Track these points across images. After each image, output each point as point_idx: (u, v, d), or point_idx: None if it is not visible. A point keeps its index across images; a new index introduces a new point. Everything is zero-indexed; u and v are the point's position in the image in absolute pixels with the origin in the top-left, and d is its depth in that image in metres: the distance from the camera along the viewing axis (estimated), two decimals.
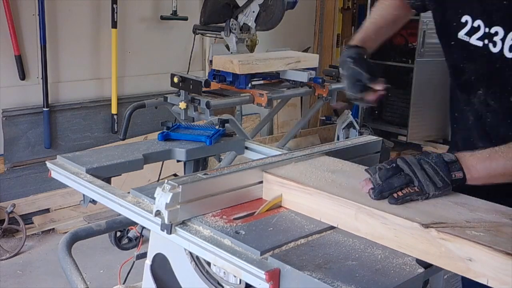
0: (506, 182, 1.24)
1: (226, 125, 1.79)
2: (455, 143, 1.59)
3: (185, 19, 4.42)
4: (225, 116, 2.88)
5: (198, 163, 1.75)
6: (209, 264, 1.28)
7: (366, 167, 1.27)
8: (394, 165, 1.20)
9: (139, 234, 1.84)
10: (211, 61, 3.65)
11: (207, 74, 3.93)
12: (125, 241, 3.34)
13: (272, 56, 3.58)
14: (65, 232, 1.79)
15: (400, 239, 1.07)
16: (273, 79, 3.61)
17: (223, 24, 3.79)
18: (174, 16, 4.41)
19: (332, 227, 1.17)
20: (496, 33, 1.31)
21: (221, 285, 1.26)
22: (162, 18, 4.40)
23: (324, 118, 5.80)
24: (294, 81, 3.54)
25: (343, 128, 4.61)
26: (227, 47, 3.90)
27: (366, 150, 1.64)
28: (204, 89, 3.05)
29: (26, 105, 3.85)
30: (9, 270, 3.32)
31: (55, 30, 3.93)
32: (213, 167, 2.12)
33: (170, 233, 1.15)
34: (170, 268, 1.39)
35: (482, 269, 0.97)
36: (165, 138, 1.70)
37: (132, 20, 4.32)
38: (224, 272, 1.23)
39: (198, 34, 4.12)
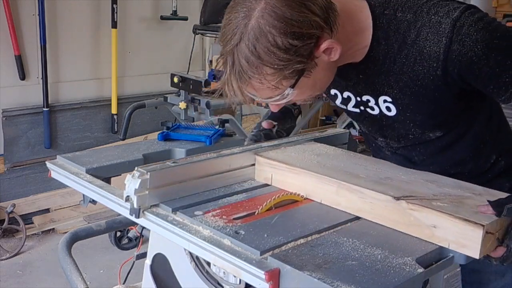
0: None
1: (226, 125, 1.79)
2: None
3: (185, 19, 4.42)
4: (225, 116, 2.89)
5: None
6: (209, 264, 1.28)
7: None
8: None
9: (139, 234, 1.84)
10: (211, 61, 3.66)
11: (207, 74, 3.94)
12: (125, 241, 3.34)
13: None
14: (65, 232, 1.79)
15: (375, 211, 1.20)
16: None
17: None
18: (174, 16, 4.41)
19: (331, 227, 1.17)
20: (368, 101, 1.38)
21: (221, 285, 1.26)
22: (162, 18, 4.41)
23: (324, 118, 5.80)
24: None
25: (343, 128, 4.62)
26: None
27: (334, 142, 1.69)
28: (204, 89, 3.05)
29: (26, 105, 3.85)
30: (9, 270, 3.32)
31: (55, 30, 3.93)
32: None
33: (138, 217, 1.21)
34: (170, 268, 1.39)
35: (445, 234, 1.09)
36: (165, 138, 1.70)
37: (132, 20, 4.33)
38: (224, 272, 1.23)
39: (198, 34, 4.12)
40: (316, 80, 1.22)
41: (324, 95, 1.52)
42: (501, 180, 1.44)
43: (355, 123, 1.39)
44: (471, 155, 1.43)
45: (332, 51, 1.19)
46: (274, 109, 1.31)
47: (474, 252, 1.06)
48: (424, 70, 1.24)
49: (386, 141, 1.48)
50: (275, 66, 1.14)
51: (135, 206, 1.20)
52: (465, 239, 1.06)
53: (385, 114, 1.37)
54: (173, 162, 1.30)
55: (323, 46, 1.16)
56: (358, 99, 1.40)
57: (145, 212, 1.22)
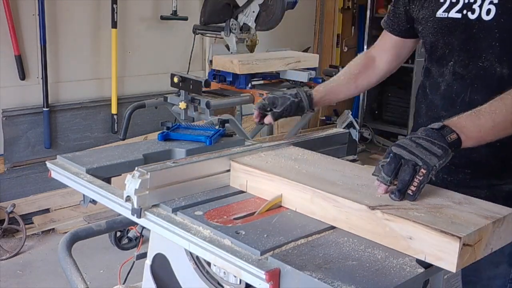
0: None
1: (226, 125, 1.79)
2: (418, 122, 1.67)
3: (185, 19, 4.42)
4: (225, 116, 2.89)
5: None
6: (209, 264, 1.28)
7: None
8: (391, 155, 1.19)
9: (139, 234, 1.85)
10: (211, 61, 3.66)
11: (207, 74, 3.93)
12: (125, 241, 3.34)
13: (272, 56, 3.58)
14: (65, 232, 1.79)
15: (350, 221, 1.15)
16: (273, 79, 3.62)
17: (223, 24, 3.79)
18: (174, 16, 4.41)
19: (332, 227, 1.17)
20: (474, 1, 1.47)
21: (221, 285, 1.26)
22: (162, 18, 4.40)
23: (324, 118, 5.81)
24: (294, 81, 3.54)
25: (343, 128, 4.61)
26: (227, 47, 3.90)
27: (334, 142, 1.71)
28: (204, 89, 3.05)
29: (26, 105, 3.85)
30: (9, 270, 3.32)
31: (55, 30, 3.93)
32: None
33: (140, 217, 1.21)
34: (170, 268, 1.39)
35: (420, 246, 1.04)
36: (165, 138, 1.70)
37: (132, 20, 4.32)
38: (224, 272, 1.23)
39: (198, 34, 4.12)
40: None
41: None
42: None
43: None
44: None
45: None
46: None
47: (451, 265, 1.00)
48: None
49: (453, 66, 1.53)
50: None
51: (135, 206, 1.20)
52: (441, 252, 1.01)
53: (481, 19, 1.45)
54: (173, 162, 1.30)
55: None
56: (466, 0, 1.48)
57: (146, 212, 1.22)
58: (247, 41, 3.87)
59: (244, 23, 3.78)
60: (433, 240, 1.02)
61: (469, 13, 1.48)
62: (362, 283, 0.95)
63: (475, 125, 1.26)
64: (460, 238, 0.99)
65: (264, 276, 0.98)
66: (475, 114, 1.28)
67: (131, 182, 1.20)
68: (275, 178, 1.29)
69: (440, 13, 1.54)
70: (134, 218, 1.24)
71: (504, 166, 1.49)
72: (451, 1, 1.52)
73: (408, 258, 1.05)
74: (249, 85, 3.36)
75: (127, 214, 1.28)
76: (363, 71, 1.78)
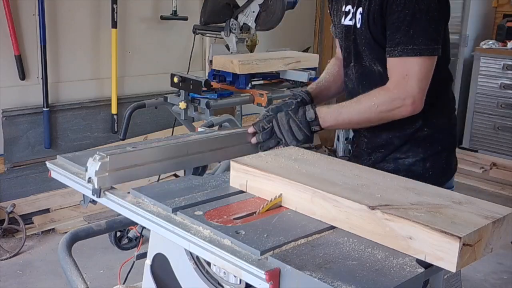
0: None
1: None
2: None
3: (185, 19, 4.42)
4: (225, 116, 2.89)
5: None
6: (209, 264, 1.28)
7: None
8: (270, 125, 1.63)
9: (139, 234, 1.85)
10: (211, 61, 3.65)
11: (207, 74, 3.93)
12: (125, 241, 3.34)
13: (272, 56, 3.58)
14: (65, 232, 1.79)
15: (350, 221, 1.15)
16: (273, 79, 3.61)
17: (223, 24, 3.79)
18: (174, 16, 4.41)
19: (332, 227, 1.17)
20: (355, 11, 1.69)
21: (221, 285, 1.26)
22: (162, 18, 4.40)
23: None
24: (294, 81, 3.54)
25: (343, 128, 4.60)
26: (227, 47, 3.90)
27: None
28: (204, 89, 3.05)
29: (26, 105, 3.85)
30: (9, 270, 3.32)
31: (55, 30, 3.93)
32: (213, 167, 2.13)
33: (100, 197, 1.32)
34: (170, 268, 1.40)
35: (420, 246, 1.05)
36: None
37: (132, 20, 4.33)
38: (224, 272, 1.23)
39: (198, 34, 4.12)
40: None
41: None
42: (417, 150, 1.69)
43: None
44: None
45: None
46: None
47: (451, 265, 1.01)
48: None
49: (351, 66, 1.76)
50: None
51: (95, 186, 1.30)
52: (441, 252, 1.01)
53: (357, 26, 1.68)
54: (133, 147, 1.41)
55: None
56: (352, 10, 1.71)
57: (105, 192, 1.32)
58: (247, 41, 3.87)
59: (244, 23, 3.78)
60: (433, 240, 1.03)
61: (352, 21, 1.71)
62: (362, 283, 0.95)
63: (334, 119, 1.62)
64: (460, 238, 1.00)
65: (264, 276, 0.98)
66: (338, 109, 1.62)
67: (92, 164, 1.30)
68: (275, 178, 1.29)
69: (343, 20, 1.76)
70: (95, 197, 1.33)
71: (402, 144, 1.71)
72: (345, 11, 1.75)
73: (408, 258, 1.05)
74: (249, 85, 3.36)
75: (127, 214, 1.28)
76: (341, 70, 1.92)
